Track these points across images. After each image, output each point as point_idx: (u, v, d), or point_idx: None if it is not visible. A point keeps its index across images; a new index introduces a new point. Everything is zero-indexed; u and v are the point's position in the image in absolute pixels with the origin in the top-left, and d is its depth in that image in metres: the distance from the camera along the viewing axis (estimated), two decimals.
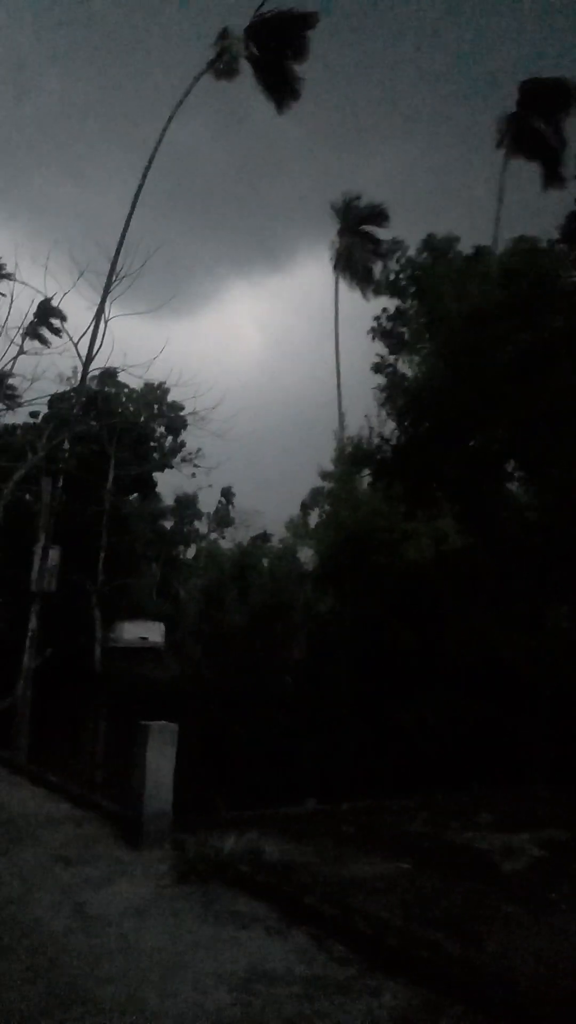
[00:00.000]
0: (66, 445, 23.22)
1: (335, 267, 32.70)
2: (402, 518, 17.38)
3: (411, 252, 22.67)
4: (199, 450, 31.27)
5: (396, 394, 20.40)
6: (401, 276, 21.96)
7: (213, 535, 41.44)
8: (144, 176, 25.22)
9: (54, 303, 24.31)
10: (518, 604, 16.31)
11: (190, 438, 31.67)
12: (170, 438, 32.20)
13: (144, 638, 28.46)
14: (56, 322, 26.28)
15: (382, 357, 22.58)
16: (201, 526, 43.46)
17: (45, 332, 26.41)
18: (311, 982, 5.37)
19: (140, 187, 25.28)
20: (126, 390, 29.68)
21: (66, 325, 25.76)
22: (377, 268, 30.22)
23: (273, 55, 24.71)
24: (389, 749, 15.79)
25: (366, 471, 20.90)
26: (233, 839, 7.94)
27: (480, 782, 12.41)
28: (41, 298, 24.89)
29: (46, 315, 26.07)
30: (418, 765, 14.27)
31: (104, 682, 22.38)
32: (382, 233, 32.16)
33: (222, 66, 24.50)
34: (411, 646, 16.18)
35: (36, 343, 25.50)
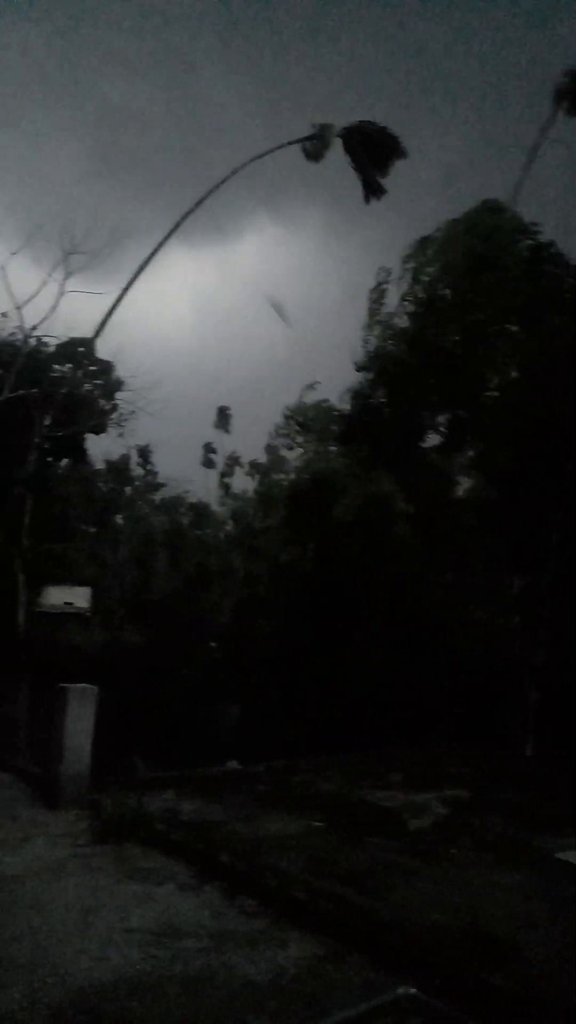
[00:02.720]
0: None
1: None
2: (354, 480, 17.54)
3: None
4: (132, 412, 30.52)
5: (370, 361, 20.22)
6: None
7: (139, 502, 40.82)
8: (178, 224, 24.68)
9: (3, 265, 23.24)
10: (441, 571, 16.78)
11: (125, 405, 30.98)
12: (102, 400, 31.37)
13: (69, 603, 28.12)
14: None
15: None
16: (132, 491, 42.68)
17: None
18: (220, 936, 5.55)
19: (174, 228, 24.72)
20: (52, 349, 28.74)
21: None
22: None
23: (359, 158, 26.26)
24: (310, 710, 16.15)
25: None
26: (149, 799, 8.07)
27: (391, 743, 12.83)
28: None
29: None
30: (334, 727, 14.65)
31: (27, 646, 22.11)
32: None
33: (310, 148, 26.38)
34: (344, 605, 16.47)
35: None
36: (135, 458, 40.72)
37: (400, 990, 4.84)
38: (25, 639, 22.72)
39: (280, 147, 26.57)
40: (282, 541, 19.83)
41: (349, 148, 26.23)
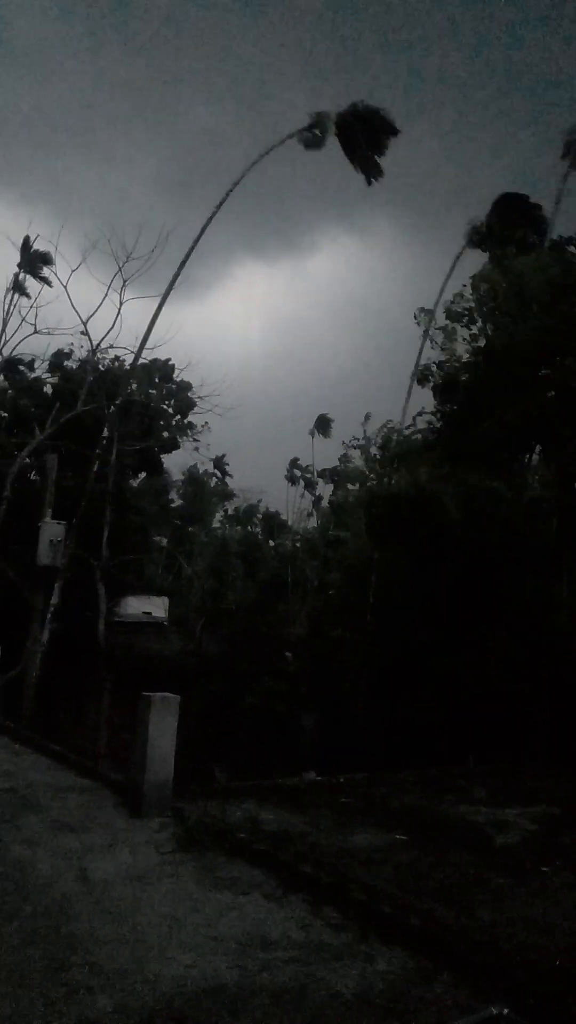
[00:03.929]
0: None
1: (468, 240, 31.23)
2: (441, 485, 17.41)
3: None
4: (205, 424, 31.04)
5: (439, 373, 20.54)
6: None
7: (218, 511, 41.30)
8: (217, 208, 25.38)
9: (66, 284, 23.79)
10: (529, 578, 16.41)
11: (197, 417, 31.54)
12: (178, 416, 31.94)
13: (148, 612, 28.66)
14: (46, 270, 25.53)
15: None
16: (206, 503, 43.10)
17: (33, 282, 25.59)
18: (307, 947, 5.51)
19: (212, 215, 25.35)
20: (128, 367, 29.38)
21: (72, 297, 25.24)
22: None
23: (357, 142, 26.80)
24: (392, 722, 15.97)
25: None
26: (231, 808, 8.09)
27: (477, 757, 12.58)
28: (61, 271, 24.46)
29: (32, 261, 25.41)
30: (416, 740, 14.44)
31: (107, 655, 22.58)
32: None
33: (310, 136, 26.72)
34: (436, 613, 16.25)
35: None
36: (211, 470, 41.36)
37: (493, 1010, 4.68)
38: (105, 648, 23.17)
39: (282, 142, 26.47)
40: (360, 550, 19.83)
41: (345, 134, 26.34)
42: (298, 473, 44.38)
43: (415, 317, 24.59)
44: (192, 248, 24.73)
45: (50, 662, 20.44)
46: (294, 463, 44.81)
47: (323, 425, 43.59)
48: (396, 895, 6.30)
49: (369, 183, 27.26)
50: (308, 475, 43.34)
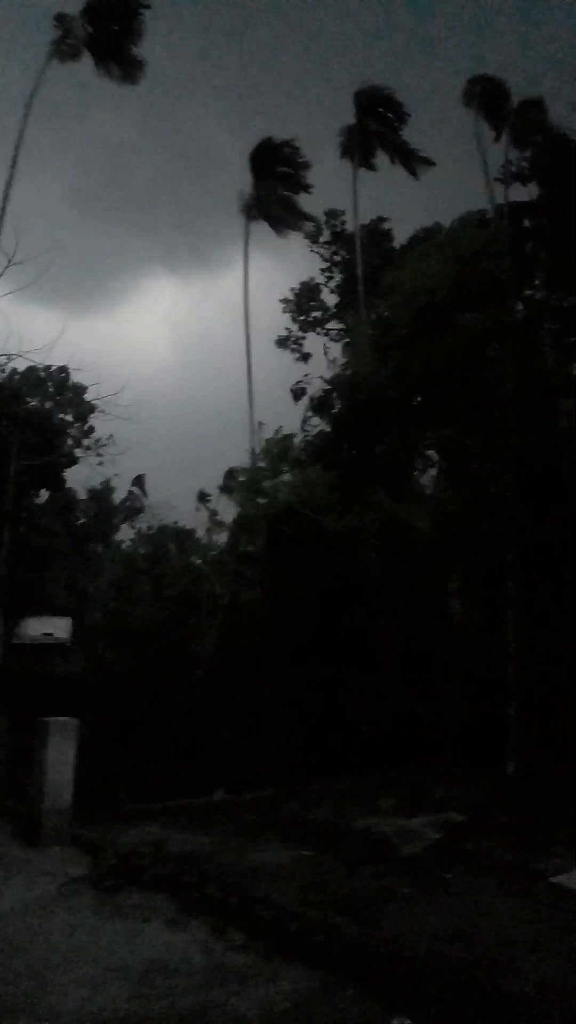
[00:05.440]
0: None
1: (246, 215, 30.17)
2: (332, 506, 17.55)
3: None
4: (110, 436, 30.19)
5: (329, 391, 20.91)
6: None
7: (125, 529, 40.42)
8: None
9: None
10: (428, 595, 16.73)
11: (99, 429, 30.70)
12: (77, 424, 30.94)
13: (49, 634, 27.77)
14: None
15: (290, 331, 23.14)
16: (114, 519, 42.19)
17: None
18: (209, 972, 5.36)
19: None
20: (18, 376, 28.32)
21: None
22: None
23: (111, 35, 24.22)
24: (303, 735, 15.97)
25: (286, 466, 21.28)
26: (134, 832, 7.89)
27: (385, 766, 12.67)
28: None
29: None
30: (328, 751, 14.49)
31: (5, 679, 21.78)
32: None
33: (65, 48, 23.79)
34: (333, 634, 16.37)
35: None
36: (127, 488, 40.45)
37: (395, 1022, 4.69)
38: (3, 673, 22.37)
39: (47, 66, 23.59)
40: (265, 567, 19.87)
41: (94, 28, 23.81)
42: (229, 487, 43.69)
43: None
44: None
45: None
46: (230, 474, 43.88)
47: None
48: (301, 912, 6.23)
49: (130, 80, 24.52)
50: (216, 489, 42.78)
